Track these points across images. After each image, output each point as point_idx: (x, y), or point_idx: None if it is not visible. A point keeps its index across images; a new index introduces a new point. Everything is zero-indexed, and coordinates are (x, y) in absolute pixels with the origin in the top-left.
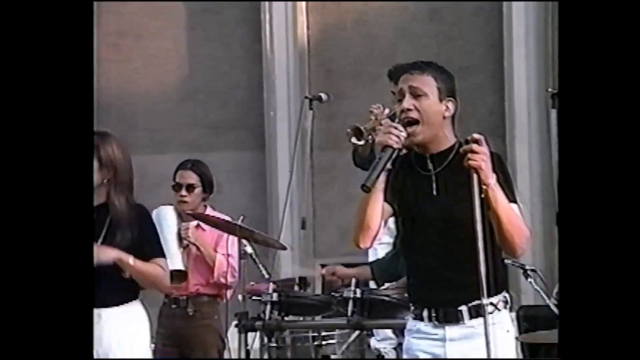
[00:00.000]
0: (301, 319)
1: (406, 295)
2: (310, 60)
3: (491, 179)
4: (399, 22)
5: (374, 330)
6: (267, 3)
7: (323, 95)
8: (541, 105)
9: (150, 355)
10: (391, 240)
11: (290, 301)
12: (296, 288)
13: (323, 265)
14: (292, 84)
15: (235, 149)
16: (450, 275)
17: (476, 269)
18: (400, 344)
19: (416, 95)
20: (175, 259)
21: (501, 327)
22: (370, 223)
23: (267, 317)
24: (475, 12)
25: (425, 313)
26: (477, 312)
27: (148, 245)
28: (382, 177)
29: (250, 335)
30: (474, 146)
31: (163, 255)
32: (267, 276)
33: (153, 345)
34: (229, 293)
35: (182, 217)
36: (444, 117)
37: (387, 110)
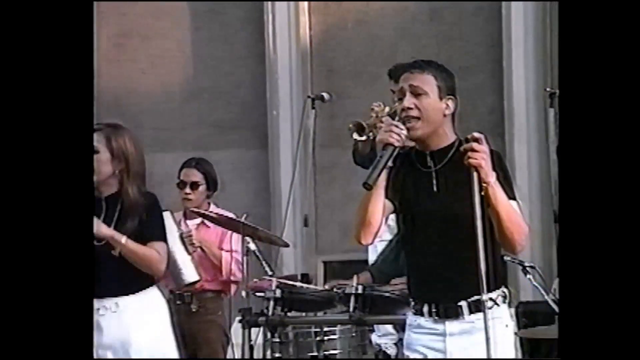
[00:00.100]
0: (304, 314)
1: (406, 291)
2: (313, 60)
3: (491, 177)
4: (400, 22)
5: (375, 326)
6: (270, 4)
7: (325, 95)
8: (540, 104)
9: (172, 340)
10: (391, 237)
11: (293, 297)
12: (299, 284)
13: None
14: (295, 84)
15: (238, 147)
16: (450, 271)
17: (476, 265)
18: (400, 340)
19: (417, 94)
20: (189, 269)
21: (500, 322)
22: (372, 220)
23: (270, 312)
24: (475, 13)
25: (425, 308)
26: (477, 308)
27: (148, 228)
28: (384, 175)
29: (253, 330)
30: (474, 145)
31: (161, 240)
32: (270, 273)
33: None
34: (233, 289)
35: (185, 215)
36: (444, 115)
37: (387, 108)
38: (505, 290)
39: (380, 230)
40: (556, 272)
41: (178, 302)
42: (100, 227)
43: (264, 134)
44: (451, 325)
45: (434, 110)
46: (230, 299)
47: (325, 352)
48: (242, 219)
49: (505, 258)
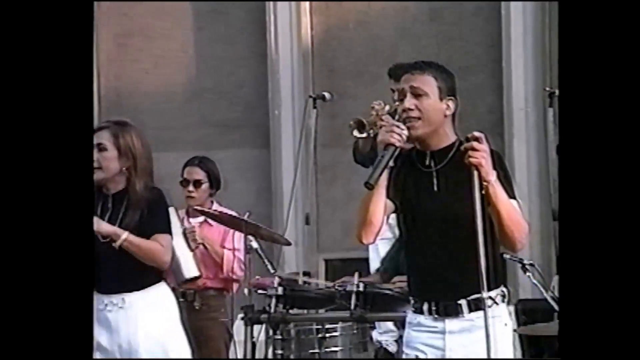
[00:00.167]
0: (305, 312)
1: (407, 289)
2: (314, 60)
3: (491, 176)
4: (400, 22)
5: (376, 323)
6: (272, 4)
7: (326, 94)
8: (539, 104)
9: (180, 336)
10: (391, 235)
11: (295, 295)
12: (300, 282)
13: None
14: (296, 84)
15: (240, 147)
16: (450, 270)
17: (476, 264)
18: (401, 337)
19: (417, 94)
20: (190, 265)
21: (499, 320)
22: (373, 219)
23: (272, 310)
24: (475, 13)
25: (425, 306)
26: (477, 306)
27: (152, 221)
28: (385, 175)
29: (256, 327)
30: (475, 144)
31: (165, 232)
32: (272, 270)
33: None
34: (235, 287)
35: (188, 213)
36: (445, 116)
37: (387, 107)
38: (505, 289)
39: (382, 229)
40: (555, 269)
41: (181, 300)
42: (101, 225)
43: (265, 134)
44: (451, 323)
45: (434, 111)
46: (233, 297)
47: (327, 349)
48: (245, 217)
49: (505, 256)
